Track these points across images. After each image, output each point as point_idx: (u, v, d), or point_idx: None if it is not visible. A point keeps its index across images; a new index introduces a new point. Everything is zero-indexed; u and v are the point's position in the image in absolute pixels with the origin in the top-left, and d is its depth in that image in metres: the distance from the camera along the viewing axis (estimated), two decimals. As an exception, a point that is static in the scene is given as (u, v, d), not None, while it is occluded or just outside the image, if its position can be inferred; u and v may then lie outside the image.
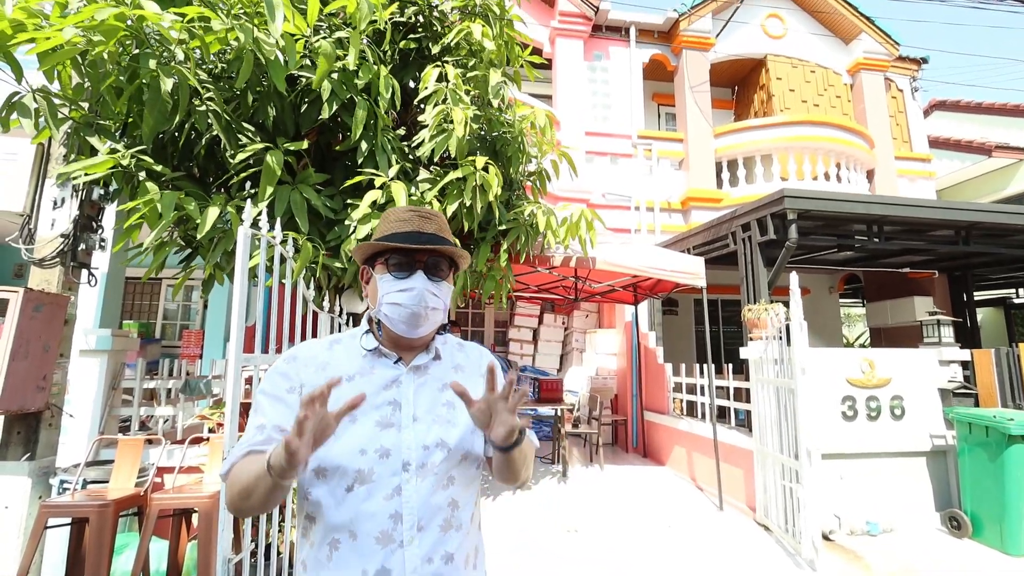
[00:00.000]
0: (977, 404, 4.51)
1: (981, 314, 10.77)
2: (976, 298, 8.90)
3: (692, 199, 7.54)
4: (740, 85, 9.32)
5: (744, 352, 4.45)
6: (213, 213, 2.50)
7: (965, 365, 4.64)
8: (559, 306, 8.37)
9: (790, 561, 3.53)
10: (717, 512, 4.52)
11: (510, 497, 4.81)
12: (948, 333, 4.68)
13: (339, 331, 3.30)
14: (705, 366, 4.90)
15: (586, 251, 4.32)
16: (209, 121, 2.56)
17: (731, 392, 4.89)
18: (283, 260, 2.72)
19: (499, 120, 3.73)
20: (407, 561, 0.86)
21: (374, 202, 3.07)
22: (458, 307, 8.82)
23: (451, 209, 3.33)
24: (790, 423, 3.78)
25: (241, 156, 2.56)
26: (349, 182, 2.98)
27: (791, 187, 4.40)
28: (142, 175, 2.78)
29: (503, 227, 3.85)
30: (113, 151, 2.76)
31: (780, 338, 3.98)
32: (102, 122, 2.99)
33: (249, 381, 2.93)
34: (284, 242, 2.68)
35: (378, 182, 2.96)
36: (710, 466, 5.07)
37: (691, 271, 4.72)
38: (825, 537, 3.84)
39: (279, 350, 2.55)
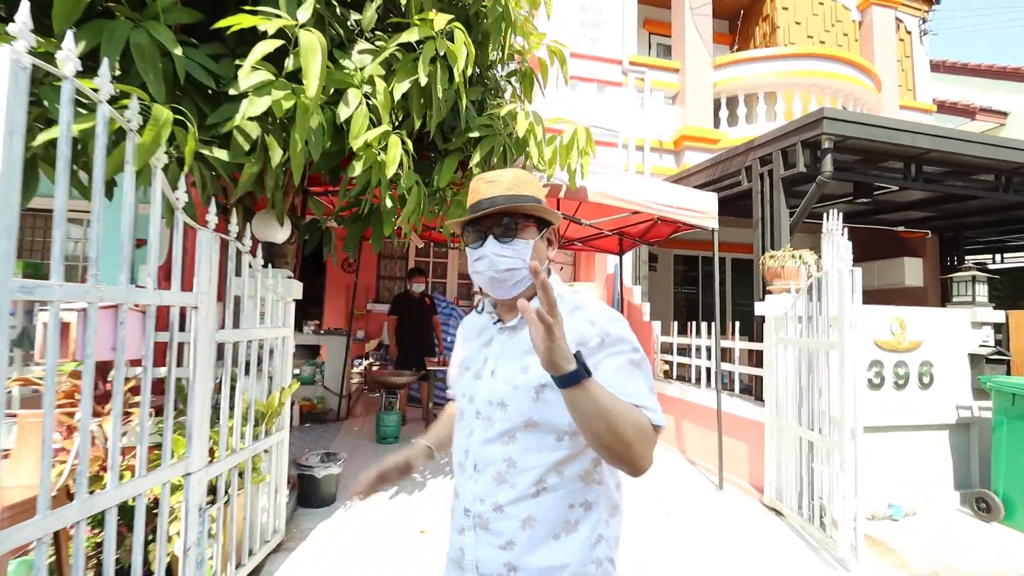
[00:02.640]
0: (1009, 372, 3.99)
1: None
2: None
3: (687, 137, 6.67)
4: (742, 15, 8.35)
5: (760, 308, 3.71)
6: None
7: (997, 328, 4.09)
8: (532, 256, 7.48)
9: (816, 557, 2.90)
10: (716, 492, 3.89)
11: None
12: (982, 291, 4.09)
13: (236, 259, 2.28)
14: (712, 324, 4.16)
15: (573, 183, 3.38)
16: None
17: (736, 355, 4.20)
18: (120, 135, 1.68)
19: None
20: (467, 492, 0.99)
21: (278, 61, 2.02)
22: (417, 250, 7.81)
23: (401, 90, 2.31)
24: (822, 391, 3.10)
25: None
26: (228, 23, 1.90)
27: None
28: None
29: (474, 134, 2.85)
30: None
31: (809, 291, 3.25)
32: None
33: (67, 327, 1.90)
34: (120, 103, 1.62)
35: (275, 24, 1.89)
36: (704, 438, 4.44)
37: (702, 209, 3.89)
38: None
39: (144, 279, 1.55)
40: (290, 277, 2.77)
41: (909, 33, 8.47)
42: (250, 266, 2.38)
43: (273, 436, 2.58)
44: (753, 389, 4.12)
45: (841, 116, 3.59)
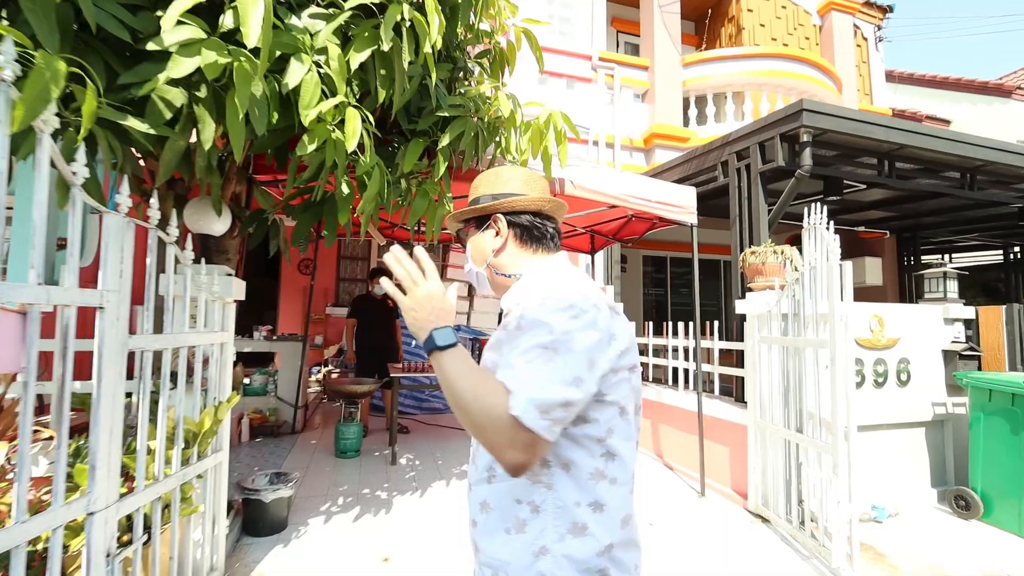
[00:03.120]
0: (980, 367, 4.01)
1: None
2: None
3: (657, 135, 6.58)
4: (708, 16, 8.39)
5: (742, 306, 3.58)
6: None
7: (967, 324, 4.11)
8: (501, 257, 7.22)
9: (808, 567, 2.74)
10: (698, 499, 3.72)
11: (443, 489, 3.72)
12: (953, 287, 4.10)
13: (159, 252, 1.92)
14: (691, 324, 4.01)
15: (549, 172, 3.14)
16: None
17: (716, 355, 4.06)
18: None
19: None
20: None
21: (212, 21, 1.70)
22: (379, 250, 7.42)
23: (359, 59, 2.01)
24: (810, 392, 2.97)
25: None
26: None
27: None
28: None
29: (443, 113, 2.57)
30: None
31: (795, 288, 3.13)
32: None
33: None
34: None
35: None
36: (682, 442, 4.28)
37: (681, 204, 3.73)
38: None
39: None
40: (229, 274, 2.41)
41: (866, 39, 8.73)
42: (177, 260, 2.02)
43: (208, 459, 2.21)
44: (734, 390, 3.99)
45: (820, 109, 3.51)
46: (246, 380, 5.20)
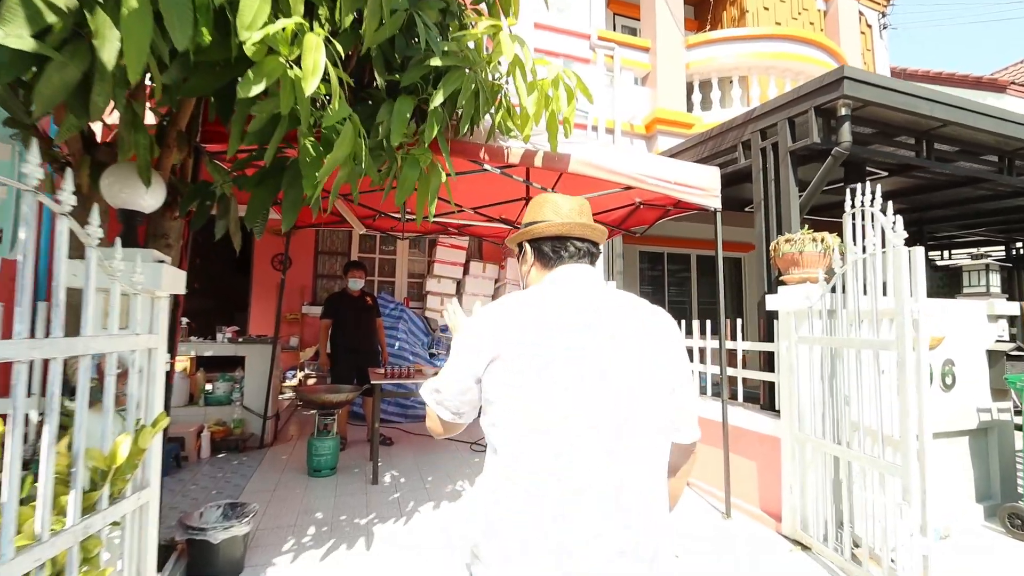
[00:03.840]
0: (1026, 369, 3.64)
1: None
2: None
3: (659, 120, 6.15)
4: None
5: (773, 301, 3.14)
6: None
7: (1011, 322, 3.74)
8: (488, 249, 6.75)
9: (868, 611, 2.32)
10: (723, 520, 3.28)
11: (431, 512, 3.23)
12: (996, 281, 3.73)
13: (39, 224, 1.38)
14: (707, 323, 3.57)
15: (555, 142, 2.67)
16: None
17: (740, 357, 3.63)
18: None
19: None
20: None
21: None
22: (361, 245, 6.86)
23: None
24: (863, 402, 2.54)
25: None
26: None
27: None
28: None
29: (436, 62, 2.07)
30: None
31: (836, 281, 2.70)
32: None
33: None
34: None
35: None
36: (701, 454, 3.84)
37: (704, 186, 3.28)
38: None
39: None
40: (161, 261, 1.88)
41: (870, 27, 8.44)
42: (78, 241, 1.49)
43: (127, 501, 1.68)
44: (761, 397, 3.56)
45: (863, 77, 3.09)
46: (208, 387, 4.63)
